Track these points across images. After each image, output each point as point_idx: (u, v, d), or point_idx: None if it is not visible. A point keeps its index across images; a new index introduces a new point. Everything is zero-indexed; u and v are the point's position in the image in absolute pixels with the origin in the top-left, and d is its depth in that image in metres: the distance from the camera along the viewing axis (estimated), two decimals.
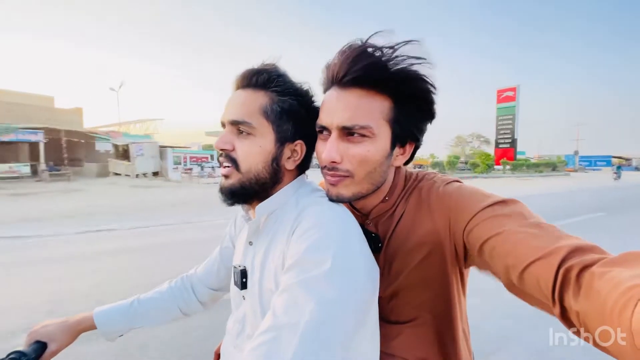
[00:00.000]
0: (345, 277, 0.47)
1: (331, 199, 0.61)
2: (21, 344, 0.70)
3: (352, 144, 0.57)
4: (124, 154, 19.66)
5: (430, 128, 0.63)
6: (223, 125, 0.61)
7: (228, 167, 0.59)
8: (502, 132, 38.99)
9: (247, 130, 0.58)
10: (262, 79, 0.59)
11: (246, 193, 0.60)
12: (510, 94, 39.11)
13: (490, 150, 41.44)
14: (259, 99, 0.59)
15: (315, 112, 0.63)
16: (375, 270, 0.54)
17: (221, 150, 0.60)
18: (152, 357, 2.02)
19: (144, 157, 18.28)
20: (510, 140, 37.94)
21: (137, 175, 17.67)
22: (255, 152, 0.58)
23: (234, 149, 0.59)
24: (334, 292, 0.45)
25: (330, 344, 0.42)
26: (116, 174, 18.71)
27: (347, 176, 0.59)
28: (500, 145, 38.53)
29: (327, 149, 0.58)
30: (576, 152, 49.17)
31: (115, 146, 19.81)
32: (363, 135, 0.57)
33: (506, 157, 35.22)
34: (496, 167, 32.84)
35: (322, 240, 0.50)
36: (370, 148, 0.57)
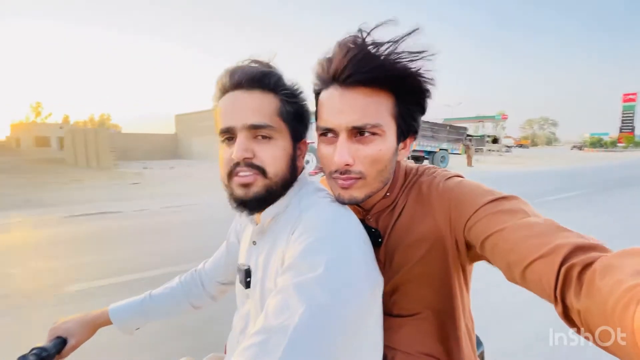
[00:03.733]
0: (339, 281, 0.46)
1: (343, 202, 0.60)
2: None
3: (363, 145, 0.57)
4: (493, 140, 51.19)
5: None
6: (228, 131, 0.57)
7: (249, 175, 0.57)
8: (625, 122, 67.34)
9: (269, 134, 0.57)
10: (273, 81, 0.58)
11: (270, 198, 0.59)
12: (632, 97, 67.04)
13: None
14: (272, 101, 0.58)
15: (306, 111, 0.63)
16: (376, 272, 0.53)
17: (245, 159, 0.56)
18: (164, 349, 2.04)
19: (502, 140, 50.85)
20: (631, 128, 66.38)
21: (491, 150, 50.61)
22: (280, 155, 0.58)
23: (254, 156, 0.57)
24: (326, 296, 0.44)
25: (319, 349, 0.41)
26: (490, 150, 43.85)
27: (360, 178, 0.58)
28: (623, 130, 67.13)
29: (338, 152, 0.57)
30: None
31: (489, 136, 51.29)
32: (374, 134, 0.56)
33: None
34: (619, 144, 62.27)
35: (319, 242, 0.50)
36: (382, 147, 0.57)
